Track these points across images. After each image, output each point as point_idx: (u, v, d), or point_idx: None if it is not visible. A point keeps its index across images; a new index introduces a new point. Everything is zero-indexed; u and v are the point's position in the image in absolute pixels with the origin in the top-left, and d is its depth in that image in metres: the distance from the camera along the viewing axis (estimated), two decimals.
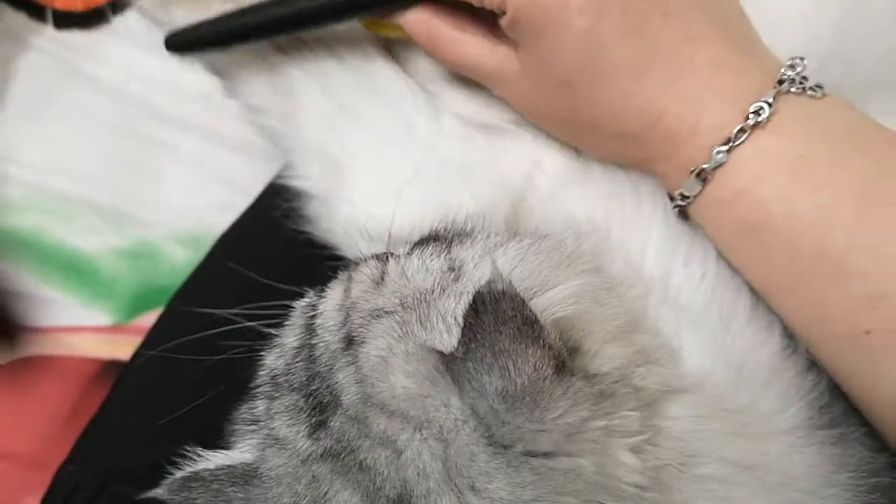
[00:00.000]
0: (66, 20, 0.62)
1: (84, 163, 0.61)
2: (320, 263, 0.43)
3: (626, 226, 0.37)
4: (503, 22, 0.33)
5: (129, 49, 0.62)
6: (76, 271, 0.60)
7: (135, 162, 0.61)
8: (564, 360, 0.26)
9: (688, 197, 0.33)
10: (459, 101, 0.41)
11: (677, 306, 0.34)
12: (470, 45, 0.36)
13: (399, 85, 0.41)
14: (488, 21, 0.35)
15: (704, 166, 0.32)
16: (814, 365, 0.33)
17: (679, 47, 0.32)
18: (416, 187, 0.40)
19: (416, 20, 0.36)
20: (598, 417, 0.26)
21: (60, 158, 0.61)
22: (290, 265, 0.44)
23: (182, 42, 0.40)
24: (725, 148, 0.31)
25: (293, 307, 0.35)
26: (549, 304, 0.28)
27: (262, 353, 0.35)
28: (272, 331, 0.35)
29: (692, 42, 0.32)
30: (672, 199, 0.35)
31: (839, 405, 0.33)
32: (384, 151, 0.41)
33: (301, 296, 0.35)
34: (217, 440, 0.37)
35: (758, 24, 0.35)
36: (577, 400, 0.26)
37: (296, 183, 0.45)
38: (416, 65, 0.41)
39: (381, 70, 0.41)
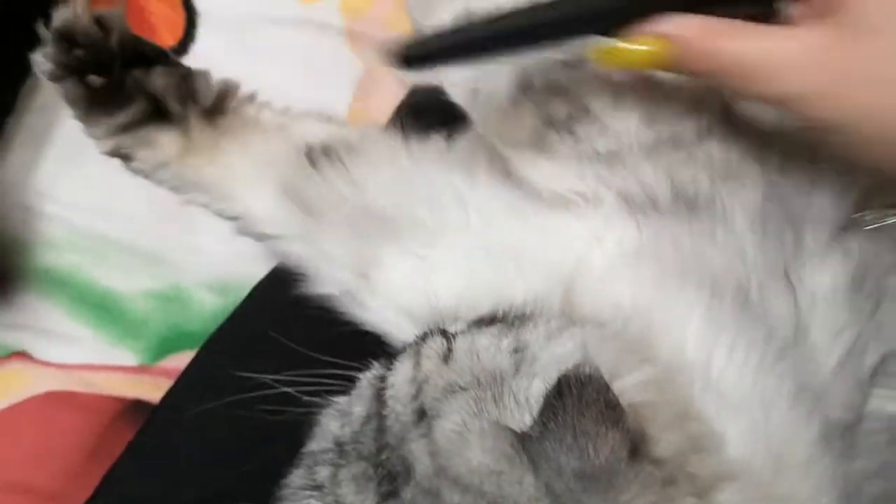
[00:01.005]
0: None
1: (121, 205, 0.62)
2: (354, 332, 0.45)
3: (669, 311, 0.38)
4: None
5: None
6: (107, 310, 0.61)
7: (170, 207, 0.62)
8: (638, 444, 0.28)
9: None
10: (537, 166, 0.43)
11: (720, 392, 0.36)
12: (758, 32, 0.32)
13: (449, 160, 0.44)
14: None
15: None
16: (844, 453, 0.35)
17: None
18: (462, 264, 0.42)
19: (682, 22, 0.33)
20: (663, 502, 0.28)
21: (98, 199, 0.62)
22: (321, 329, 0.45)
23: (420, 54, 0.36)
24: None
25: (333, 377, 0.36)
26: (623, 390, 0.30)
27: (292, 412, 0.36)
28: (313, 398, 0.36)
29: None
30: None
31: (868, 494, 0.35)
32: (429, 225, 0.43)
33: (336, 366, 0.36)
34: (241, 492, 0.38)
35: None
36: (647, 484, 0.27)
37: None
38: (496, 127, 0.42)
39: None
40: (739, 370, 0.36)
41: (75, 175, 0.62)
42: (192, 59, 0.65)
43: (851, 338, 0.38)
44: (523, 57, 0.36)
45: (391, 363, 0.35)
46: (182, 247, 0.62)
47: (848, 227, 0.39)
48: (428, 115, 0.53)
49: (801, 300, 0.38)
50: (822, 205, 0.40)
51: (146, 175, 0.49)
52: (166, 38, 0.65)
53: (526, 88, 0.41)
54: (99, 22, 0.46)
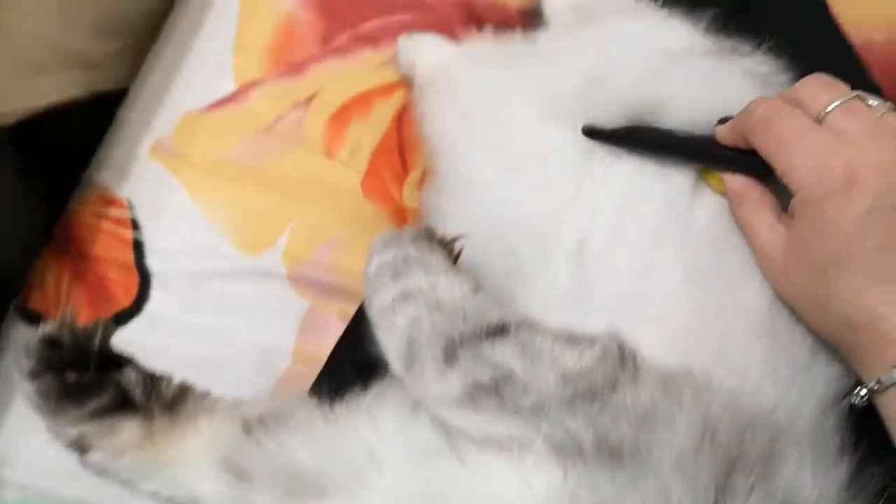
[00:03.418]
0: None
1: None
2: None
3: None
4: (792, 201, 0.41)
5: None
6: None
7: None
8: None
9: (882, 384, 0.39)
10: (465, 417, 0.45)
11: None
12: (760, 213, 0.44)
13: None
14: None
15: None
16: None
17: None
18: None
19: (739, 181, 0.45)
20: None
21: (56, 463, 0.64)
22: None
23: (600, 134, 0.50)
24: None
25: None
26: None
27: None
28: None
29: None
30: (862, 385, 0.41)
31: None
32: None
33: None
34: None
35: None
36: None
37: None
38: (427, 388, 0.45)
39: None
40: None
41: (31, 440, 0.64)
42: (146, 317, 0.70)
43: None
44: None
45: None
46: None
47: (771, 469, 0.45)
48: (346, 370, 0.58)
49: None
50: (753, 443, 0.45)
51: (100, 469, 0.52)
52: (122, 299, 0.70)
53: (450, 356, 0.45)
54: (84, 329, 0.51)
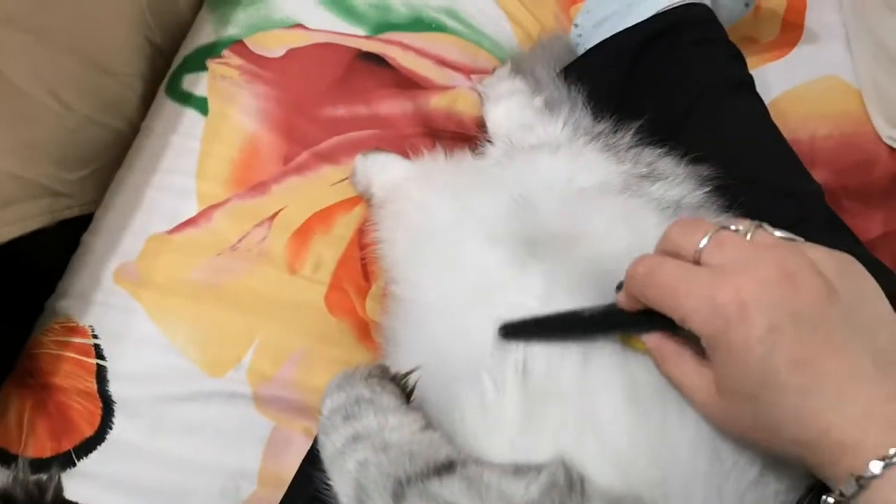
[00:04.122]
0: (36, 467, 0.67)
1: None
2: None
3: None
4: (701, 344, 0.42)
5: None
6: None
7: None
8: None
9: (846, 496, 0.38)
10: None
11: None
12: (682, 364, 0.44)
13: None
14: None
15: (863, 475, 0.37)
16: None
17: (844, 380, 0.39)
18: None
19: (654, 339, 0.46)
20: None
21: None
22: None
23: (514, 331, 0.50)
24: (881, 465, 0.37)
25: None
26: None
27: None
28: None
29: (856, 377, 0.39)
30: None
31: None
32: None
33: None
34: None
35: None
36: None
37: None
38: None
39: None
40: None
41: None
42: (109, 445, 0.69)
43: None
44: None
45: None
46: None
47: None
48: None
49: None
50: None
51: None
52: (84, 429, 0.70)
53: (399, 497, 0.46)
54: (37, 483, 0.51)
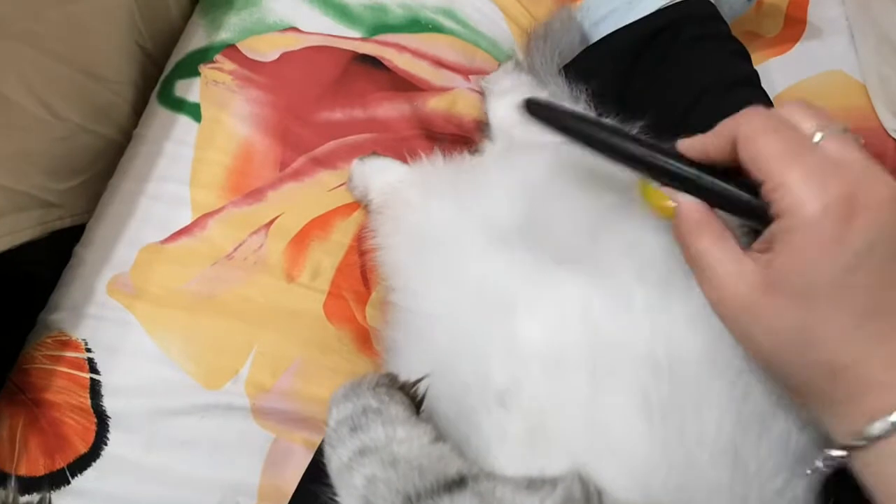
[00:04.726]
0: (29, 485, 0.65)
1: None
2: None
3: None
4: (771, 228, 0.38)
5: None
6: None
7: None
8: None
9: (860, 443, 0.36)
10: None
11: None
12: (721, 242, 0.40)
13: None
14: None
15: (891, 418, 0.35)
16: None
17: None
18: None
19: (693, 206, 0.41)
20: None
21: None
22: None
23: (538, 112, 0.48)
24: None
25: None
26: None
27: None
28: None
29: None
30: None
31: None
32: None
33: None
34: None
35: None
36: None
37: None
38: None
39: None
40: None
41: None
42: (104, 462, 0.67)
43: None
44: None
45: None
46: None
47: None
48: None
49: None
50: None
51: None
52: (78, 446, 0.68)
53: None
54: None
